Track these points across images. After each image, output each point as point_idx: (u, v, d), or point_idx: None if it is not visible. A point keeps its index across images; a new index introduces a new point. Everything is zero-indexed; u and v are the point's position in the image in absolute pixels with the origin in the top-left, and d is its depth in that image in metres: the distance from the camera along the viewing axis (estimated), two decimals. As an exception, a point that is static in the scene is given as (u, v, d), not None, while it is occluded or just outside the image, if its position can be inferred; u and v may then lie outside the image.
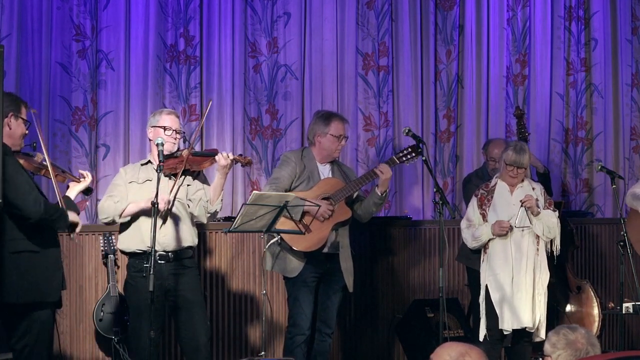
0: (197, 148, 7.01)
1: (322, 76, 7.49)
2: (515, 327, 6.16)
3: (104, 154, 6.87)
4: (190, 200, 5.68)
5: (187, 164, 5.59)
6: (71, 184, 5.16)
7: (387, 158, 6.67)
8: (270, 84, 7.33)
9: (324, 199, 6.03)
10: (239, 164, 5.83)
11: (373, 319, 7.35)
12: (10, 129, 4.88)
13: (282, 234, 5.86)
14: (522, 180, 6.31)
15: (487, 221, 6.25)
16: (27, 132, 4.98)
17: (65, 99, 6.77)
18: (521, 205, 6.16)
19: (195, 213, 5.68)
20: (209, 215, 5.75)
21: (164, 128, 5.64)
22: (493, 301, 6.19)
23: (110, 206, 5.62)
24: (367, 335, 7.34)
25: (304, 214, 5.87)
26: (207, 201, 5.65)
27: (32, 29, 6.63)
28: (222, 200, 5.73)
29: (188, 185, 5.69)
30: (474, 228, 6.29)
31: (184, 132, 6.00)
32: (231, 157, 5.60)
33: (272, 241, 5.88)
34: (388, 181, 6.13)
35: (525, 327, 6.16)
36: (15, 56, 6.53)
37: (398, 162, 6.20)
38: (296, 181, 6.10)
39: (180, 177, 5.58)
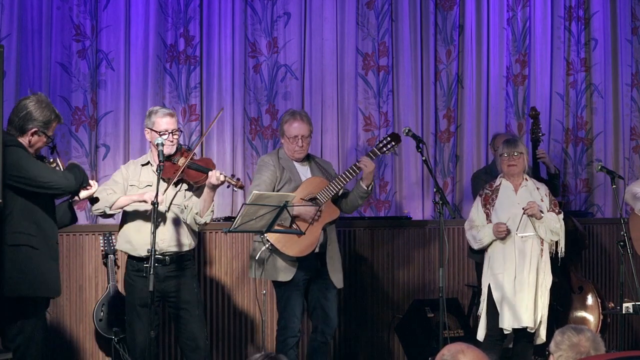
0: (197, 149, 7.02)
1: (322, 76, 7.49)
2: (515, 327, 6.16)
3: (104, 154, 6.87)
4: (186, 206, 5.66)
5: (183, 174, 5.58)
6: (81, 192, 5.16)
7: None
8: (270, 84, 7.33)
9: (310, 199, 5.99)
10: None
11: (373, 319, 7.35)
12: (29, 142, 4.88)
13: (272, 241, 5.82)
14: (526, 180, 6.32)
15: (490, 221, 6.23)
16: (46, 145, 5.00)
17: (65, 99, 6.76)
18: (523, 213, 6.16)
19: (187, 221, 5.65)
20: (199, 225, 5.73)
21: (160, 133, 5.60)
22: (495, 300, 6.18)
23: (102, 197, 5.54)
24: (367, 335, 7.34)
25: (293, 218, 5.73)
26: (196, 213, 5.61)
27: (32, 29, 6.63)
28: (212, 212, 5.68)
29: (185, 190, 5.68)
30: (475, 230, 6.28)
31: (182, 131, 5.97)
32: (222, 178, 5.50)
33: (262, 248, 5.81)
34: (372, 174, 6.08)
35: (526, 327, 6.16)
36: (15, 56, 6.53)
37: (379, 153, 6.10)
38: (278, 184, 6.05)
39: (178, 184, 5.59)
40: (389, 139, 6.15)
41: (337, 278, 6.10)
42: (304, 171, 6.14)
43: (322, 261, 6.07)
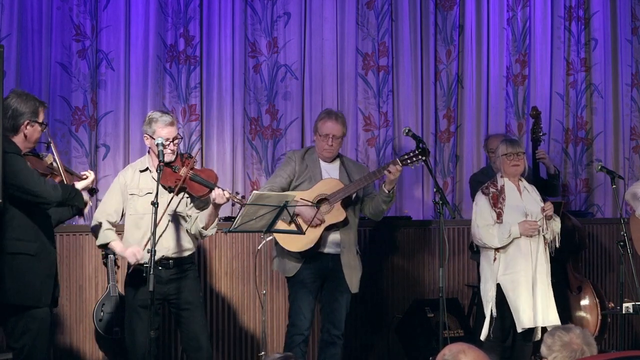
0: (196, 148, 7.03)
1: (322, 76, 7.49)
2: (544, 325, 6.11)
3: (104, 154, 6.88)
4: (188, 215, 5.65)
5: (185, 184, 5.55)
6: (75, 183, 5.17)
7: (390, 159, 6.63)
8: (270, 84, 7.33)
9: (321, 199, 6.01)
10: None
11: (373, 319, 7.35)
12: (26, 137, 4.89)
13: (275, 235, 5.84)
14: (520, 180, 6.32)
15: (501, 220, 6.19)
16: (42, 132, 5.00)
17: (65, 99, 6.77)
18: (543, 215, 6.16)
19: (192, 232, 5.64)
20: (202, 237, 5.74)
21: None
22: (509, 300, 6.15)
23: (99, 233, 5.60)
24: (367, 335, 7.34)
25: (293, 217, 5.72)
26: (202, 227, 5.59)
27: (32, 29, 6.64)
28: (216, 225, 5.68)
29: (187, 197, 5.66)
30: (494, 229, 6.18)
31: (182, 137, 5.95)
32: (227, 195, 5.47)
33: (264, 241, 5.81)
34: (395, 180, 6.06)
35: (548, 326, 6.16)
36: (15, 56, 6.53)
37: (401, 164, 6.03)
38: (296, 180, 6.08)
39: (179, 192, 5.57)
40: (417, 152, 6.07)
41: (350, 282, 6.08)
42: (332, 171, 6.15)
43: (337, 262, 6.06)
